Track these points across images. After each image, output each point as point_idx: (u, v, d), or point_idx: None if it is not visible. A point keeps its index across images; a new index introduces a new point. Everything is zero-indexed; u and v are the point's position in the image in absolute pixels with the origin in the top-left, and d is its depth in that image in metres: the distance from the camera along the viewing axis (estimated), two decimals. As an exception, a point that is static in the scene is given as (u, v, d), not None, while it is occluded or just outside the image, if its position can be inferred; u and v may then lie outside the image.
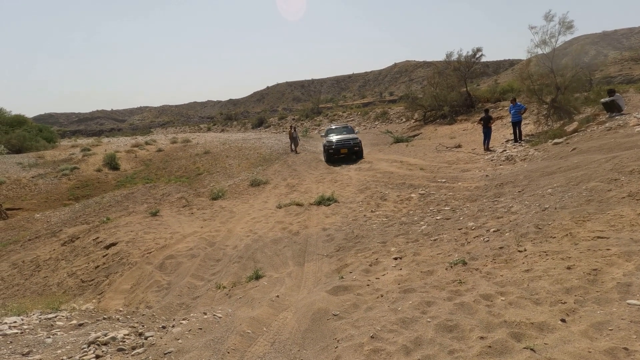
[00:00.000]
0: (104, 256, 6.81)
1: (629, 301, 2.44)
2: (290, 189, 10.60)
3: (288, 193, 10.10)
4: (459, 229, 5.06)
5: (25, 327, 3.39)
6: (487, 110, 12.98)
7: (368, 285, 3.80)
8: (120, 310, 4.68)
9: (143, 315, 4.18)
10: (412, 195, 7.99)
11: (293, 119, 37.96)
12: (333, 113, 36.61)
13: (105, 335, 3.05)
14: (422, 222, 5.96)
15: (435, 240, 4.90)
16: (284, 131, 33.13)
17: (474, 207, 6.12)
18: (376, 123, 29.50)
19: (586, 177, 5.51)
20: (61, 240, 8.50)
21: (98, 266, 6.49)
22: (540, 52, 13.16)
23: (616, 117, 10.76)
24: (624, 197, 4.15)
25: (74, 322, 3.63)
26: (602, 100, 11.50)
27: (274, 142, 20.30)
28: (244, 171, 14.33)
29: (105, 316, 3.97)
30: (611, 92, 11.41)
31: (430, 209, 6.73)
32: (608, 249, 3.13)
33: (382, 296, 3.44)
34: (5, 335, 3.19)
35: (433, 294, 3.25)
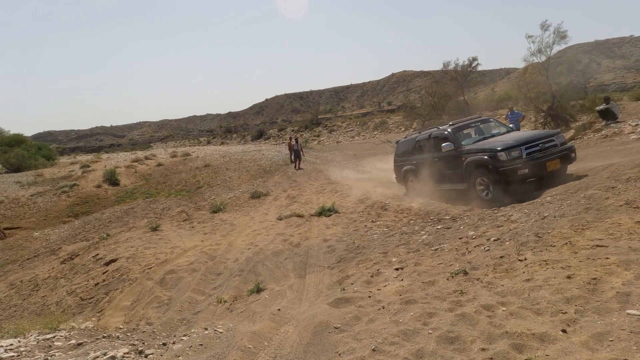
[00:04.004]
0: (103, 273, 6.78)
1: (628, 311, 2.44)
2: (290, 200, 10.62)
3: (289, 204, 10.11)
4: (460, 238, 5.06)
5: (22, 349, 3.36)
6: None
7: (369, 296, 3.79)
8: (121, 328, 4.64)
9: (143, 332, 4.15)
10: (413, 204, 7.99)
11: (293, 130, 38.23)
12: (332, 124, 36.90)
13: (105, 354, 3.03)
14: (422, 232, 5.96)
15: (436, 250, 4.89)
16: (283, 142, 33.30)
17: (474, 215, 6.12)
18: (375, 133, 29.73)
19: (584, 185, 5.54)
20: (60, 258, 8.47)
21: (98, 283, 6.46)
22: (536, 60, 13.40)
23: (611, 125, 10.87)
24: (621, 205, 4.18)
25: (73, 341, 3.60)
26: (598, 108, 11.65)
27: (274, 154, 20.39)
28: (244, 183, 14.37)
29: (105, 334, 3.95)
30: (606, 100, 11.56)
31: (431, 218, 6.73)
32: (607, 258, 3.14)
33: (383, 308, 3.43)
34: (1, 359, 3.16)
35: (434, 304, 3.24)
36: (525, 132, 7.87)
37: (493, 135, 7.65)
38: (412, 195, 8.71)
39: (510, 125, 8.45)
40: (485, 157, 6.66)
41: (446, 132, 7.75)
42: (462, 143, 7.46)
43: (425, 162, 8.17)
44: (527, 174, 6.22)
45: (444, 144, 7.47)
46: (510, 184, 6.36)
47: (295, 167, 15.89)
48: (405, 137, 9.54)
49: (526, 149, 6.43)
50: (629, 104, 13.84)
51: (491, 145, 6.78)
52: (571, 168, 7.58)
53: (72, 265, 7.74)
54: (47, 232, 11.83)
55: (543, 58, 13.07)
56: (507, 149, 6.43)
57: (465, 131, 7.87)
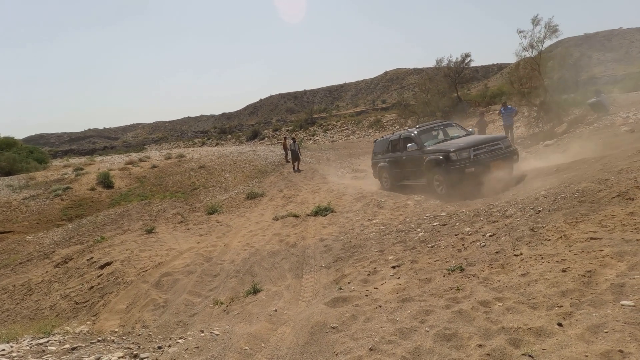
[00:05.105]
0: (98, 276, 6.71)
1: (622, 302, 2.45)
2: (286, 200, 10.58)
3: (284, 205, 10.07)
4: (456, 235, 5.07)
5: (14, 354, 3.30)
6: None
7: (366, 295, 3.78)
8: (116, 331, 4.59)
9: (139, 335, 4.11)
10: (408, 202, 8.00)
11: (287, 130, 38.11)
12: (327, 123, 36.84)
13: (99, 358, 2.99)
14: (418, 229, 5.96)
15: (432, 247, 4.90)
16: (278, 142, 33.18)
17: (469, 211, 6.14)
18: (370, 131, 29.70)
19: (577, 178, 5.58)
20: (54, 262, 8.38)
21: (92, 287, 6.39)
22: (528, 55, 13.44)
23: (603, 118, 10.96)
24: (614, 197, 4.21)
25: (67, 346, 3.55)
26: (589, 101, 11.74)
27: (269, 154, 20.30)
28: (239, 184, 14.29)
29: (100, 338, 3.90)
30: (597, 93, 11.65)
31: (427, 215, 6.73)
32: (601, 250, 3.16)
33: (380, 306, 3.42)
34: (-6, 364, 3.11)
35: (431, 302, 3.23)
36: (477, 136, 8.68)
37: (452, 138, 8.51)
38: (385, 189, 9.57)
39: (474, 130, 9.25)
40: (440, 157, 7.61)
41: (412, 134, 8.76)
42: (425, 144, 8.36)
43: (396, 160, 9.19)
44: (473, 172, 7.14)
45: (409, 144, 8.50)
46: (459, 181, 7.24)
47: (293, 168, 15.07)
48: (382, 137, 10.51)
49: (474, 150, 7.38)
50: (620, 96, 13.97)
51: (446, 147, 7.69)
52: (563, 160, 7.66)
53: (66, 269, 7.65)
54: (41, 236, 11.68)
55: (535, 53, 13.13)
56: (458, 150, 7.39)
57: (429, 134, 8.80)
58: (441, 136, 8.85)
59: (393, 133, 10.11)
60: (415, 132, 8.73)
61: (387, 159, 9.56)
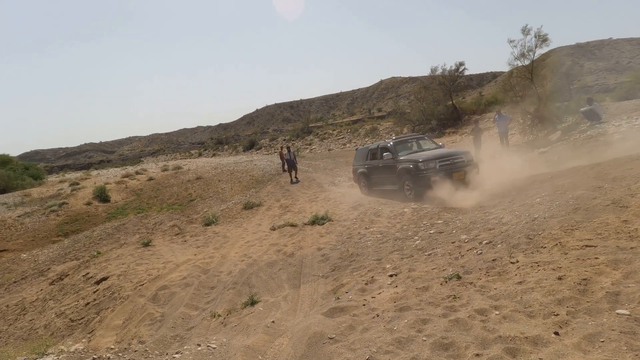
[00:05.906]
0: (94, 292, 6.63)
1: (618, 311, 2.46)
2: (283, 209, 10.56)
3: (282, 214, 10.05)
4: (452, 242, 5.08)
5: (8, 375, 3.25)
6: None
7: (364, 305, 3.76)
8: (112, 348, 4.52)
9: (135, 351, 4.05)
10: (405, 209, 8.01)
11: (284, 140, 38.24)
12: (323, 132, 37.05)
13: (95, 376, 2.94)
14: (416, 237, 5.97)
15: (429, 255, 4.90)
16: (275, 152, 33.26)
17: (466, 219, 6.16)
18: (366, 139, 29.86)
19: (572, 186, 5.63)
20: (49, 279, 8.27)
21: (88, 303, 6.30)
22: (520, 64, 13.65)
23: (596, 126, 11.11)
24: (608, 205, 4.24)
25: (62, 364, 3.50)
26: (582, 109, 11.90)
27: (265, 164, 20.32)
28: (236, 194, 14.27)
29: (95, 356, 3.83)
30: (589, 101, 11.83)
31: (424, 223, 6.74)
32: (596, 258, 3.17)
33: (377, 316, 3.40)
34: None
35: (428, 311, 3.22)
36: (444, 149, 9.40)
37: (424, 150, 9.46)
38: (363, 193, 10.44)
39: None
40: (411, 166, 8.54)
41: (389, 145, 9.68)
42: (399, 154, 9.25)
43: (373, 167, 10.06)
44: (437, 181, 8.01)
45: (384, 154, 9.44)
46: (425, 187, 8.20)
47: (291, 179, 14.63)
48: (363, 147, 11.47)
49: (439, 162, 8.29)
50: (612, 105, 14.17)
51: (416, 157, 8.65)
52: (558, 168, 7.73)
53: (61, 286, 7.55)
54: (36, 253, 11.55)
55: (527, 62, 13.35)
56: (426, 160, 8.34)
57: (404, 145, 9.77)
58: (414, 148, 9.80)
59: (373, 143, 11.04)
60: (391, 143, 9.69)
61: (366, 166, 10.42)
